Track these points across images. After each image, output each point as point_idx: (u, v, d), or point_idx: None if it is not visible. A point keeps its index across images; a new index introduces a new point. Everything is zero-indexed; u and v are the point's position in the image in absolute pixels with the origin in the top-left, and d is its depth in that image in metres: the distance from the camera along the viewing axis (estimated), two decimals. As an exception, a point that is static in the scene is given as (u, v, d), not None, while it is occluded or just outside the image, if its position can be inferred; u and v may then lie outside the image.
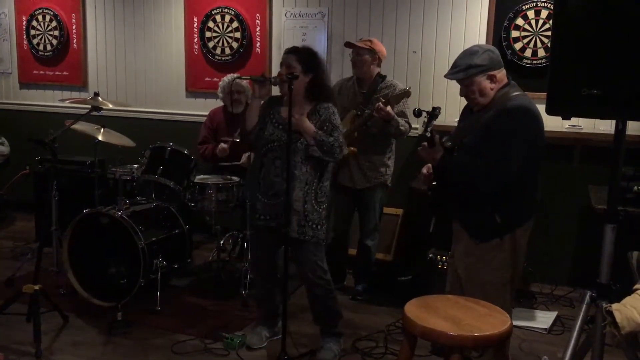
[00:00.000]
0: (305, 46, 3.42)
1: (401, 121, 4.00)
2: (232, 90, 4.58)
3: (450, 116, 4.55)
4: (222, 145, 4.53)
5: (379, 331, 3.73)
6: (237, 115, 4.61)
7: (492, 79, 2.75)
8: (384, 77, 4.16)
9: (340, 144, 3.23)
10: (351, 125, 4.07)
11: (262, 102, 3.34)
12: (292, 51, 3.28)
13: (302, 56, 3.25)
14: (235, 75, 4.70)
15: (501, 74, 2.78)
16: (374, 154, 4.15)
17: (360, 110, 4.07)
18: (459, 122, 3.06)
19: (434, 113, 2.83)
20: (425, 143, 2.79)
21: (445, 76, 2.87)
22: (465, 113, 3.01)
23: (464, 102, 2.94)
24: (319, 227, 3.29)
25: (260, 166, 3.31)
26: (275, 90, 3.44)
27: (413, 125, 4.14)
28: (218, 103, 4.90)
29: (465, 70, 2.75)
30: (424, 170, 2.99)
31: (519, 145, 2.67)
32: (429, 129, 2.76)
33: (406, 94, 4.00)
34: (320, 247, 3.36)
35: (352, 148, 4.03)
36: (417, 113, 3.00)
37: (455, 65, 2.81)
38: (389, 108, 3.87)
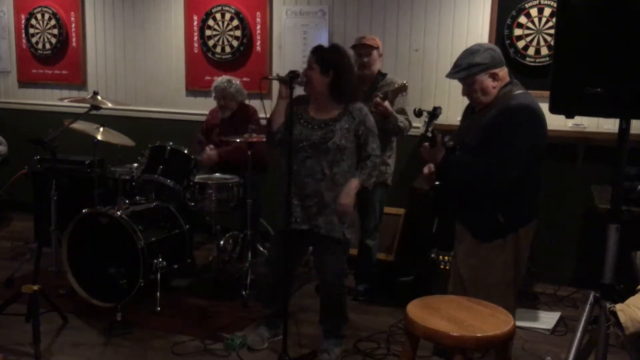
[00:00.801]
0: (332, 44, 3.39)
1: (400, 118, 3.97)
2: (217, 97, 4.59)
3: (452, 115, 4.52)
4: (209, 152, 4.46)
5: (380, 332, 3.71)
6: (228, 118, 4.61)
7: (494, 77, 2.73)
8: (384, 75, 4.14)
9: (378, 155, 3.27)
10: None
11: (287, 102, 3.19)
12: (313, 51, 3.23)
13: (320, 56, 3.19)
14: (226, 78, 4.65)
15: (503, 72, 2.76)
16: None
17: None
18: (461, 121, 3.04)
19: (434, 113, 2.80)
20: (427, 143, 2.77)
21: (447, 76, 2.85)
22: (468, 112, 2.99)
23: (466, 101, 2.92)
24: (350, 228, 3.29)
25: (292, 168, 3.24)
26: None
27: (414, 125, 4.11)
28: (218, 102, 4.87)
29: (466, 69, 2.73)
30: (425, 169, 2.97)
31: (521, 144, 2.64)
32: (430, 129, 2.74)
33: (403, 87, 3.98)
34: (347, 251, 3.36)
35: None
36: (418, 113, 2.98)
37: (456, 64, 2.79)
38: (386, 103, 3.85)
